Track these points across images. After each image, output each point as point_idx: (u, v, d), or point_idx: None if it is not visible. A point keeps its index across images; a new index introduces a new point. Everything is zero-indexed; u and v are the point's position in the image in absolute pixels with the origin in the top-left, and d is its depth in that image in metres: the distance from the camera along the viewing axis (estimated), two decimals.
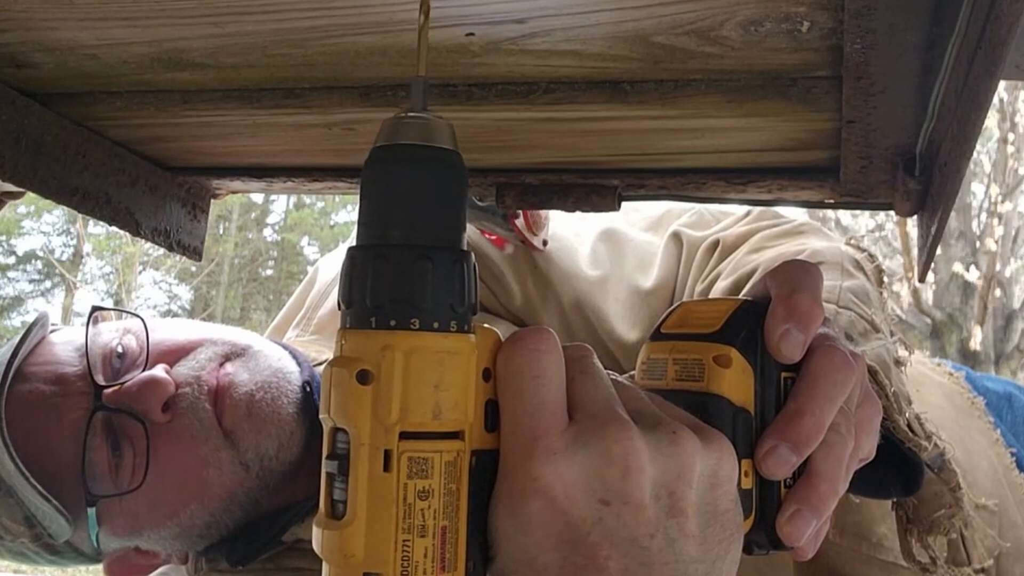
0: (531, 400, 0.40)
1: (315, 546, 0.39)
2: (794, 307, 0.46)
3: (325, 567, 0.39)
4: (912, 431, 0.60)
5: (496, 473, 0.40)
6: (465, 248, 0.40)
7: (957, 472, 0.64)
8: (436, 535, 0.38)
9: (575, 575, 0.39)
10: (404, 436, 0.37)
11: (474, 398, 0.39)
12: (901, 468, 0.60)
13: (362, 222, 0.39)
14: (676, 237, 0.93)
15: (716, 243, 0.89)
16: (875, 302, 0.74)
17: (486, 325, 0.42)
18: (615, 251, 0.95)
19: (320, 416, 0.39)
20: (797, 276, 0.48)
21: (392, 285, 0.38)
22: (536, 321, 0.94)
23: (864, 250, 0.83)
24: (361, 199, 0.39)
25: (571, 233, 0.97)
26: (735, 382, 0.46)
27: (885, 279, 0.82)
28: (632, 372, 0.51)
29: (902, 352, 0.74)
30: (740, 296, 0.50)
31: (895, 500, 0.67)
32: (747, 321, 0.47)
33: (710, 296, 0.84)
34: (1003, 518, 0.88)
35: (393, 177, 0.38)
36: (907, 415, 0.61)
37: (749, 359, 0.46)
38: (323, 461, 0.39)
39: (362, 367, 0.37)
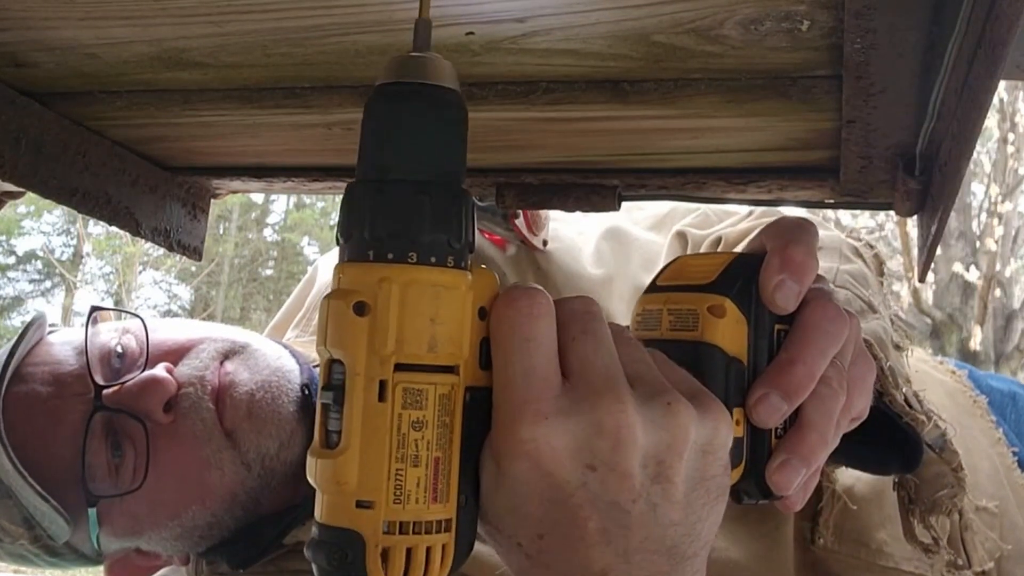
0: (522, 363, 0.40)
1: (308, 475, 0.39)
2: (789, 258, 0.47)
3: (318, 495, 0.39)
4: (910, 406, 0.60)
5: (489, 412, 0.41)
6: (464, 186, 0.40)
7: (959, 453, 0.64)
8: (429, 465, 0.39)
9: (554, 528, 0.40)
10: (399, 367, 0.38)
11: (469, 334, 0.40)
12: (901, 445, 0.60)
13: (362, 157, 0.39)
14: (681, 236, 0.93)
15: (719, 240, 0.89)
16: (873, 287, 0.75)
17: (484, 266, 0.42)
18: (620, 250, 0.95)
19: (316, 348, 0.40)
20: (791, 230, 0.49)
21: (390, 219, 0.38)
22: None
23: (862, 240, 0.83)
24: (362, 135, 0.40)
25: (574, 232, 0.97)
26: (729, 332, 0.46)
27: (885, 268, 0.82)
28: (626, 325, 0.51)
29: (900, 339, 0.74)
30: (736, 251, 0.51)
31: (896, 480, 0.67)
32: (742, 272, 0.48)
33: None
34: (1004, 520, 0.88)
35: (393, 114, 0.39)
36: (904, 390, 0.61)
37: (743, 309, 0.47)
38: (319, 392, 0.40)
39: (359, 299, 0.38)
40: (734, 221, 0.91)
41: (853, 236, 0.84)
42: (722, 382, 0.46)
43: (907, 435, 0.60)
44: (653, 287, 0.51)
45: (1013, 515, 0.89)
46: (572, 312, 0.42)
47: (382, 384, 0.38)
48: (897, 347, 0.70)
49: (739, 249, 0.54)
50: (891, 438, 0.58)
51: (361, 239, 0.38)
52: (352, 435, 0.38)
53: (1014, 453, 0.96)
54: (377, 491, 0.38)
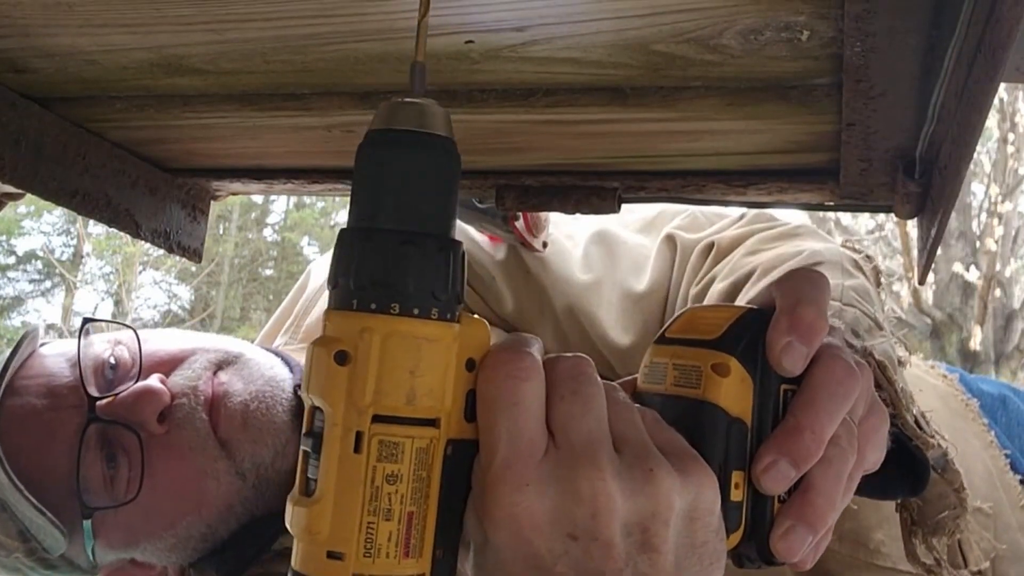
0: (507, 427, 0.39)
1: (287, 522, 0.39)
2: (798, 319, 0.45)
3: (295, 543, 0.39)
4: (920, 428, 0.59)
5: (472, 465, 0.40)
6: (454, 237, 0.39)
7: (960, 472, 0.63)
8: (402, 520, 0.38)
9: None
10: (377, 419, 0.38)
11: (453, 387, 0.39)
12: (907, 468, 0.59)
13: (353, 204, 0.39)
14: (670, 240, 0.92)
15: (711, 246, 0.88)
16: (876, 301, 0.74)
17: (476, 316, 0.41)
18: (608, 254, 0.94)
19: (300, 393, 0.40)
20: (803, 287, 0.47)
21: (375, 268, 0.38)
22: (529, 328, 0.93)
23: (861, 251, 0.82)
24: (353, 181, 0.39)
25: (563, 236, 0.96)
26: (732, 391, 0.45)
27: (883, 280, 0.81)
28: (635, 375, 0.51)
29: (902, 352, 0.74)
30: (744, 303, 0.50)
31: (899, 501, 0.67)
32: (749, 330, 0.46)
33: (705, 300, 0.83)
34: (998, 521, 0.88)
35: (385, 161, 0.39)
36: (915, 411, 0.60)
37: (749, 369, 0.45)
38: (301, 438, 0.39)
39: (340, 348, 0.38)
40: (725, 225, 0.90)
41: (850, 246, 0.83)
42: (722, 444, 0.44)
43: (915, 458, 0.59)
44: (662, 338, 0.50)
45: (1007, 516, 0.89)
46: (562, 372, 0.41)
47: (358, 435, 0.38)
48: (900, 362, 0.69)
49: (751, 297, 0.52)
50: (898, 461, 0.57)
51: (346, 287, 0.38)
52: (327, 485, 0.38)
53: (1007, 455, 0.96)
54: (348, 543, 0.38)
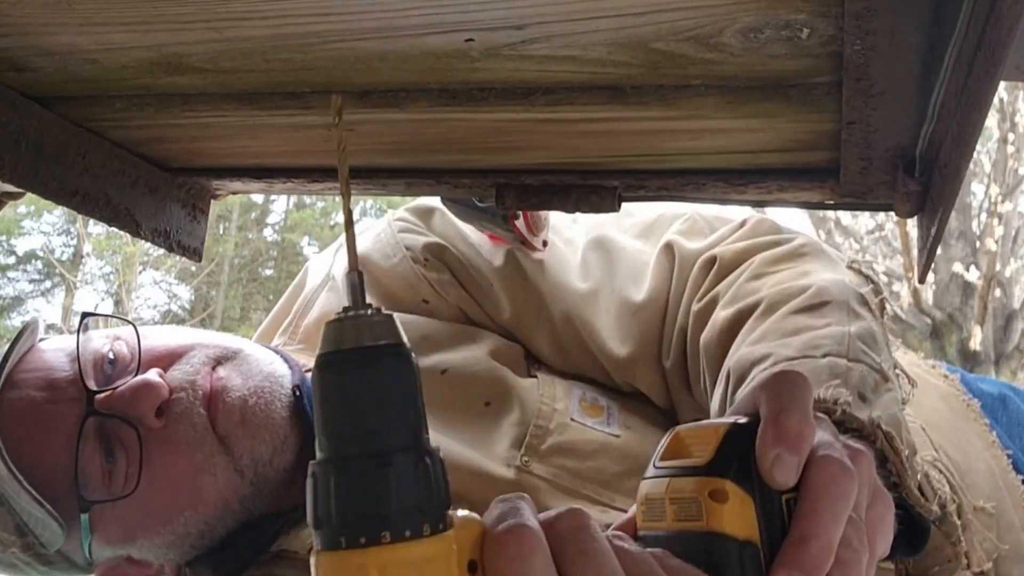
0: None
1: None
2: (783, 430, 0.45)
3: None
4: (923, 494, 0.59)
5: None
6: (427, 443, 0.39)
7: (957, 525, 0.63)
8: None
9: None
10: None
11: None
12: (906, 526, 0.58)
13: (317, 434, 0.38)
14: (668, 248, 0.91)
15: (712, 260, 0.87)
16: (881, 343, 0.73)
17: (464, 514, 0.40)
18: (606, 261, 0.93)
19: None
20: (785, 392, 0.47)
21: (356, 500, 0.37)
22: (527, 334, 0.93)
23: (867, 276, 0.80)
24: (314, 408, 0.39)
25: (562, 241, 0.95)
26: (735, 516, 0.44)
27: (887, 308, 0.79)
28: (632, 515, 0.50)
29: (906, 387, 0.73)
30: (724, 419, 0.49)
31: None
32: (738, 447, 0.46)
33: (708, 326, 0.82)
34: (1001, 520, 0.88)
35: (340, 385, 0.38)
36: (919, 477, 0.60)
37: (745, 488, 0.45)
38: None
39: None
40: (726, 234, 0.89)
41: (855, 268, 0.81)
42: (738, 570, 0.44)
43: (915, 521, 0.58)
44: (653, 468, 0.49)
45: (1010, 516, 0.89)
46: (563, 532, 0.41)
47: None
48: (904, 401, 0.68)
49: (736, 405, 0.52)
50: (897, 520, 0.57)
51: (331, 526, 0.37)
52: None
53: (1009, 455, 0.96)
54: None
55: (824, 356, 0.67)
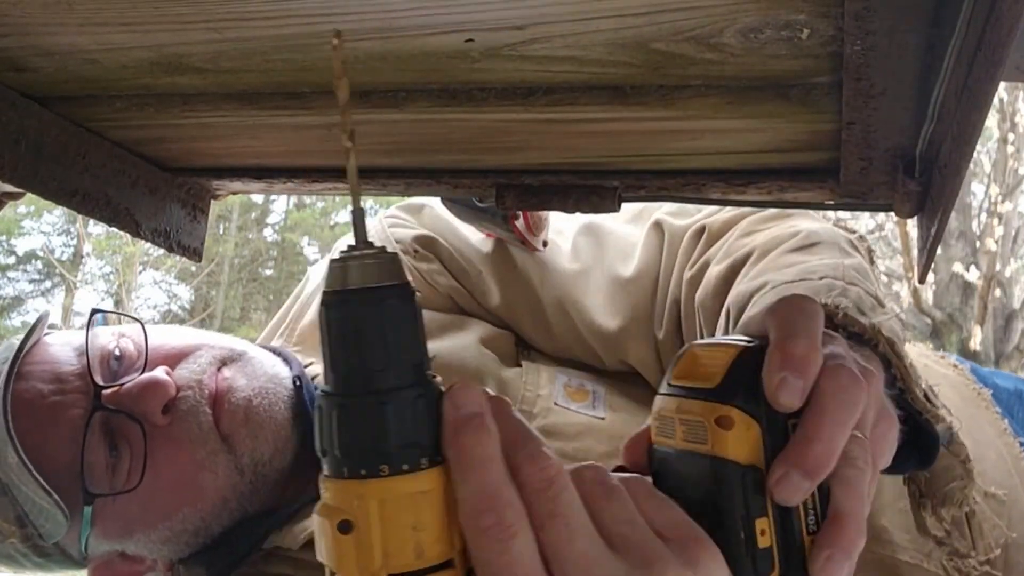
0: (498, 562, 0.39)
1: None
2: (789, 354, 0.45)
3: None
4: (930, 401, 0.59)
5: None
6: (428, 379, 0.40)
7: (966, 445, 0.63)
8: None
9: None
10: None
11: (459, 524, 0.39)
12: (915, 442, 0.59)
13: (325, 367, 0.40)
14: (657, 226, 0.93)
15: (702, 229, 0.89)
16: (874, 281, 0.74)
17: None
18: (596, 244, 0.96)
19: (318, 558, 0.40)
20: (793, 318, 0.47)
21: (356, 434, 0.38)
22: (515, 320, 0.94)
23: (854, 231, 0.83)
24: (321, 345, 0.40)
25: (552, 231, 0.97)
26: (740, 441, 0.45)
27: (875, 261, 0.82)
28: (647, 426, 0.51)
29: (904, 333, 0.74)
30: (738, 337, 0.49)
31: (907, 475, 0.67)
32: (746, 371, 0.46)
33: (703, 284, 0.84)
34: (1012, 508, 0.88)
35: (344, 324, 0.39)
36: (923, 385, 0.60)
37: (751, 412, 0.45)
38: None
39: (342, 517, 0.38)
40: (714, 209, 0.91)
41: (843, 226, 0.84)
42: (740, 495, 0.45)
43: (923, 431, 0.59)
44: (667, 384, 0.50)
45: (1021, 504, 0.89)
46: (534, 489, 0.40)
47: None
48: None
49: (743, 324, 0.52)
50: (906, 435, 0.57)
51: (334, 456, 0.39)
52: None
53: (1021, 443, 0.96)
54: None
55: (821, 279, 0.69)
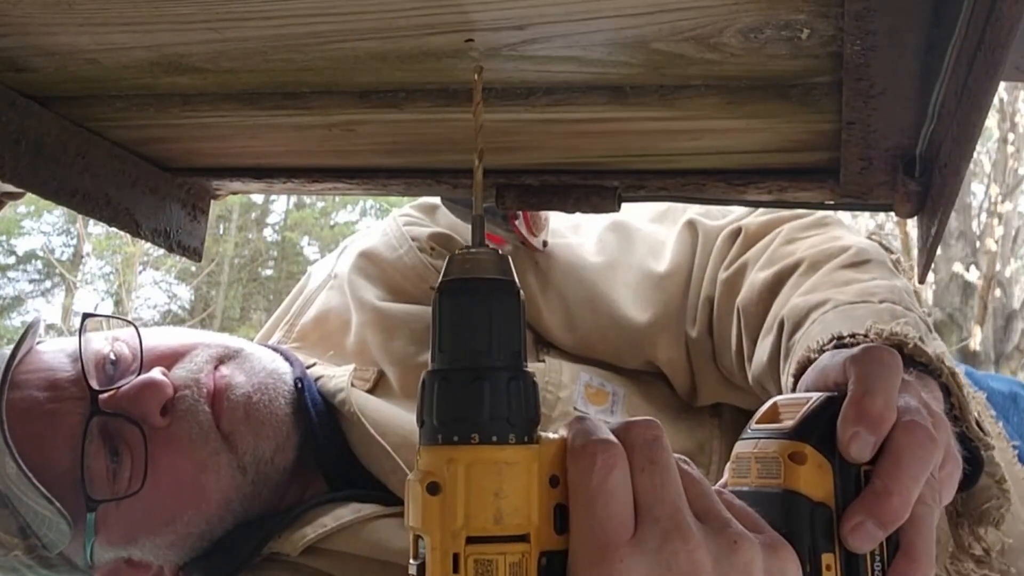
0: (600, 514, 0.42)
1: None
2: (865, 411, 0.48)
3: None
4: (981, 429, 0.61)
5: (566, 573, 0.43)
6: (523, 367, 0.44)
7: (1000, 465, 0.64)
8: None
9: None
10: (470, 540, 0.41)
11: (538, 503, 0.43)
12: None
13: (432, 347, 0.44)
14: (691, 225, 0.93)
15: (738, 231, 0.89)
16: (919, 304, 0.76)
17: (552, 435, 0.44)
18: (624, 240, 0.95)
19: (406, 525, 0.43)
20: (874, 372, 0.49)
21: (453, 406, 0.42)
22: (536, 316, 0.94)
23: (891, 250, 0.84)
24: (432, 327, 0.44)
25: (568, 227, 0.97)
26: (811, 478, 0.47)
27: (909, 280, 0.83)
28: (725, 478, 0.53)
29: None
30: (819, 393, 0.51)
31: None
32: (823, 417, 0.49)
33: (745, 288, 0.84)
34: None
35: (453, 309, 0.44)
36: (976, 414, 0.62)
37: (825, 454, 0.47)
38: (409, 564, 0.44)
39: (431, 480, 0.42)
40: (744, 213, 0.92)
41: (877, 240, 0.84)
42: (808, 529, 0.46)
43: (970, 456, 0.60)
44: (749, 430, 0.52)
45: (1016, 508, 0.89)
46: (637, 441, 0.44)
47: (455, 557, 0.41)
48: None
49: (822, 370, 0.55)
50: None
51: (431, 424, 0.43)
52: None
53: (1015, 447, 0.96)
54: None
55: (881, 302, 0.71)
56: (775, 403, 0.53)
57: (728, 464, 0.52)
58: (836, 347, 0.62)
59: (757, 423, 0.52)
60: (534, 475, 0.43)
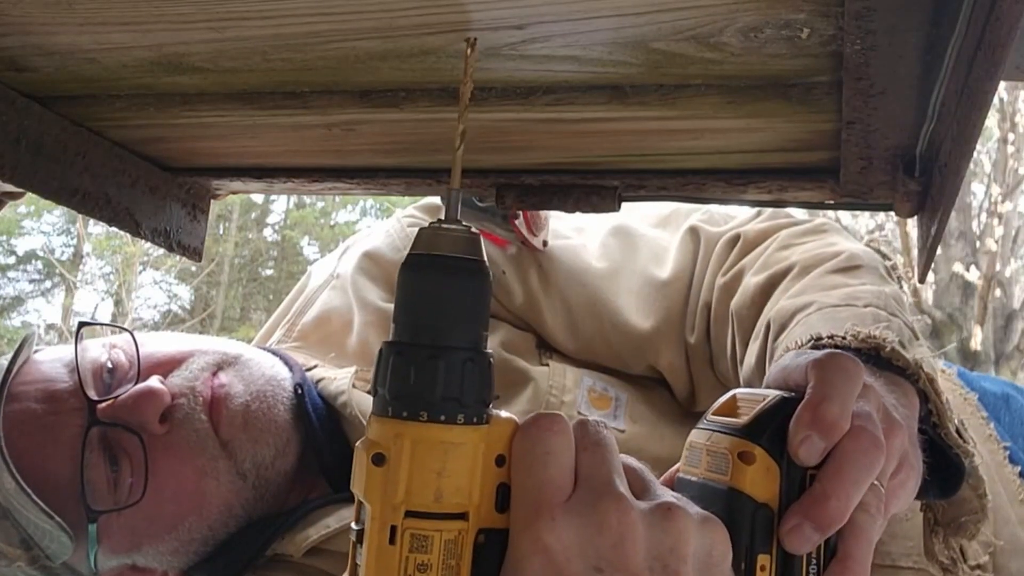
0: (540, 474, 0.43)
1: None
2: (820, 416, 0.48)
3: None
4: (961, 436, 0.61)
5: (505, 550, 0.43)
6: (480, 349, 0.44)
7: (984, 479, 0.64)
8: None
9: None
10: (409, 514, 0.42)
11: (481, 482, 0.44)
12: (940, 472, 0.60)
13: (393, 318, 0.44)
14: (693, 231, 0.94)
15: (736, 237, 0.90)
16: (909, 311, 0.76)
17: (505, 415, 0.45)
18: (627, 245, 0.96)
19: (351, 488, 0.44)
20: (833, 379, 0.50)
21: (404, 380, 0.43)
22: (538, 319, 0.94)
23: (888, 256, 0.84)
24: (395, 299, 0.44)
25: (572, 229, 0.97)
26: (758, 479, 0.48)
27: (904, 285, 0.83)
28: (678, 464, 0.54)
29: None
30: (779, 391, 0.52)
31: (926, 502, 0.68)
32: (776, 418, 0.49)
33: (739, 293, 0.85)
34: (998, 515, 0.88)
35: (419, 284, 0.44)
36: (956, 421, 0.62)
37: (775, 456, 0.48)
38: (351, 529, 0.44)
39: (377, 451, 0.43)
40: (746, 219, 0.92)
41: (875, 247, 0.85)
42: (748, 528, 0.47)
43: (950, 463, 0.60)
44: (705, 420, 0.53)
45: (1006, 510, 0.89)
46: (588, 428, 0.45)
47: (393, 529, 0.42)
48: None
49: (785, 369, 0.55)
50: (932, 465, 0.59)
51: (383, 396, 0.43)
52: (367, 572, 0.43)
53: (1006, 448, 0.96)
54: None
55: (866, 306, 0.71)
56: (734, 396, 0.53)
57: (684, 449, 0.53)
58: (813, 347, 0.62)
59: (714, 414, 0.52)
60: (479, 455, 0.43)
